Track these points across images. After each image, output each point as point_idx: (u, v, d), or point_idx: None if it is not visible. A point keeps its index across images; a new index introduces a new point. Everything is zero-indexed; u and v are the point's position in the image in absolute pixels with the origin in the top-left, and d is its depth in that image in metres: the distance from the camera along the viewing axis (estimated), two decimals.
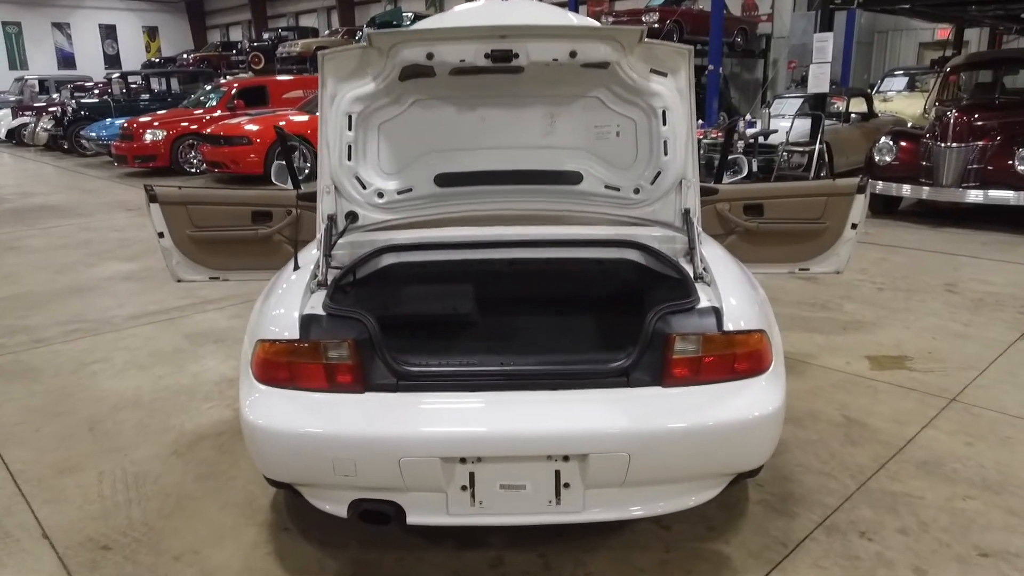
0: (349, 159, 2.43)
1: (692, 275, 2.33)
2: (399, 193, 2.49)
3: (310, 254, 2.50)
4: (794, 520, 2.58)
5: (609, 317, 2.84)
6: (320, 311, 2.16)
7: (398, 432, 1.98)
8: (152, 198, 3.28)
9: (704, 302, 2.18)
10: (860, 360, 4.04)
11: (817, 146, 8.46)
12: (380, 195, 2.48)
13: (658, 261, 2.47)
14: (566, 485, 2.07)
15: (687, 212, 2.47)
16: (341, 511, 2.15)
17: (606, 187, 2.50)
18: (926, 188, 7.79)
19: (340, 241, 2.54)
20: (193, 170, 12.93)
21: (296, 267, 2.41)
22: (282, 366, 2.11)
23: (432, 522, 2.13)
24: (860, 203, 3.84)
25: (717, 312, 2.14)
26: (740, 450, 2.10)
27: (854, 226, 3.89)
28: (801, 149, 8.70)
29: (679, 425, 2.02)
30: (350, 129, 2.40)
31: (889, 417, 3.35)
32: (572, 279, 2.74)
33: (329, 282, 2.34)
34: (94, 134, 14.95)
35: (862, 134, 10.02)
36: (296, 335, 2.10)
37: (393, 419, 2.02)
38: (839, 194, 3.87)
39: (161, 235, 3.38)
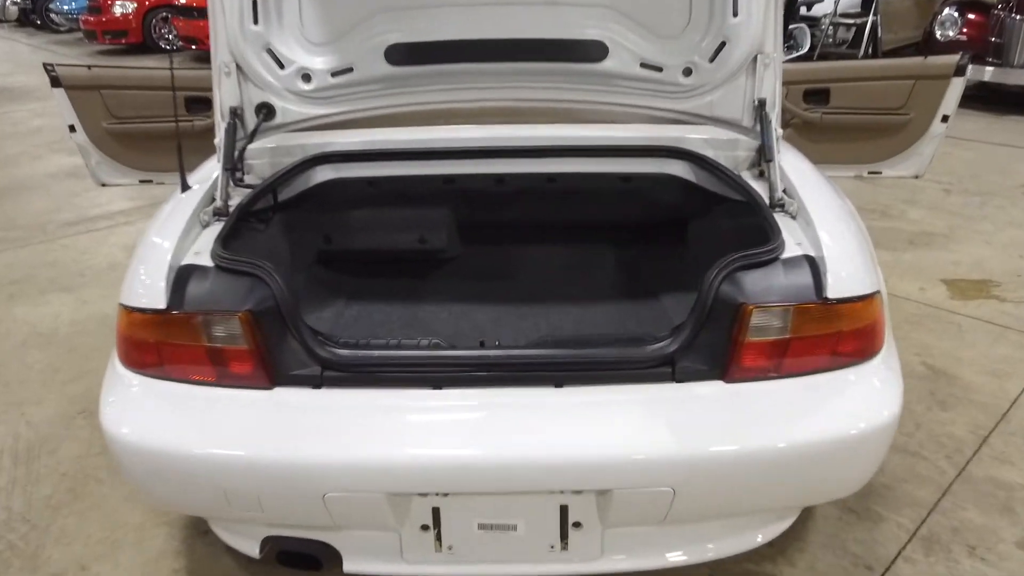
0: (256, 22, 1.61)
1: (768, 202, 1.56)
2: (334, 75, 1.67)
3: (208, 167, 1.73)
4: (878, 527, 1.93)
5: (643, 267, 2.08)
6: (207, 260, 1.43)
7: (320, 457, 1.29)
8: (54, 81, 2.48)
9: (791, 248, 1.42)
10: (936, 285, 3.30)
11: (871, 18, 7.32)
12: (306, 78, 1.67)
13: (717, 179, 1.69)
14: (576, 525, 1.40)
15: (762, 105, 1.66)
16: (252, 550, 1.50)
17: (642, 66, 1.67)
18: (990, 68, 6.76)
19: (251, 147, 1.76)
20: (168, 47, 11.80)
21: (184, 187, 1.65)
22: (149, 347, 1.40)
23: (380, 571, 1.48)
24: (956, 88, 2.97)
25: (813, 265, 1.38)
26: (836, 475, 1.41)
27: (945, 119, 3.05)
28: (850, 22, 7.55)
29: (751, 446, 1.31)
30: None
31: (983, 367, 2.65)
32: (588, 207, 1.96)
33: (231, 211, 1.59)
34: (65, 7, 13.84)
35: (915, 4, 8.79)
36: (163, 301, 1.37)
37: (314, 434, 1.32)
38: (931, 76, 2.99)
39: (72, 129, 2.59)
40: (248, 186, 1.71)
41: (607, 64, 1.66)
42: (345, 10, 1.64)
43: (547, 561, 1.43)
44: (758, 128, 1.67)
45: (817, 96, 3.17)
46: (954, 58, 2.94)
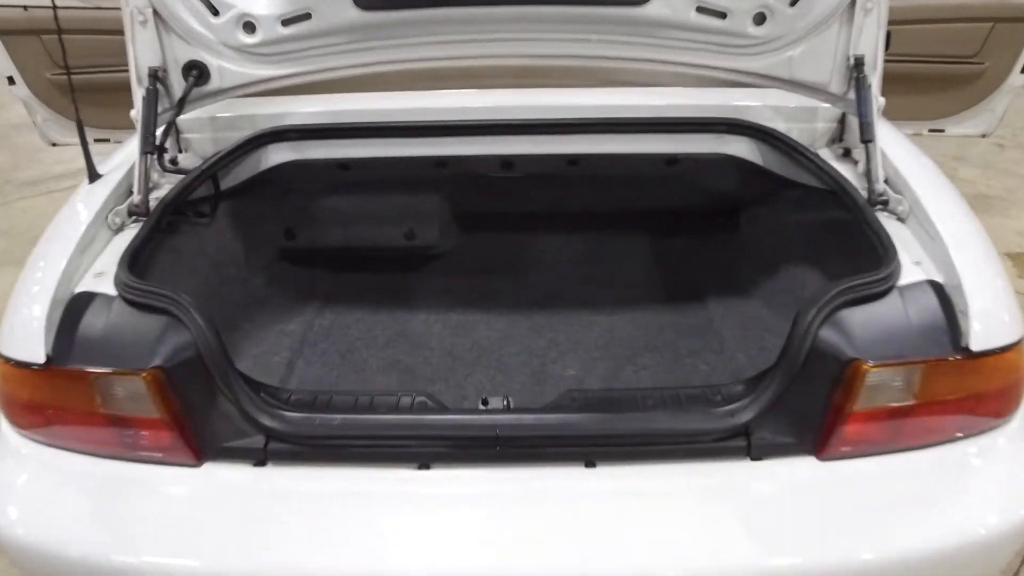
0: None
1: (867, 196, 1.16)
2: (285, 24, 1.24)
3: (132, 146, 1.31)
4: None
5: (688, 270, 1.65)
6: (109, 286, 1.04)
7: (263, 569, 0.93)
8: None
9: (909, 270, 1.03)
10: None
11: None
12: (248, 27, 1.25)
13: (793, 163, 1.29)
14: None
15: (859, 64, 1.24)
16: None
17: (699, 10, 1.23)
18: None
19: (186, 119, 1.35)
20: None
21: (92, 176, 1.25)
22: (36, 410, 1.02)
23: None
24: None
25: (944, 298, 0.99)
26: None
27: None
28: None
29: (859, 554, 0.94)
30: None
31: None
32: (621, 196, 1.55)
33: (152, 209, 1.19)
34: None
35: None
36: (42, 352, 0.99)
37: (253, 534, 0.96)
38: (1014, 19, 2.54)
39: (11, 81, 2.17)
40: (180, 171, 1.30)
41: (652, 7, 1.23)
42: None
43: None
44: (851, 95, 1.26)
45: None
46: None
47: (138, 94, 1.27)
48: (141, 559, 0.95)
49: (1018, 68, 2.61)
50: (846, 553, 0.94)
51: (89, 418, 1.01)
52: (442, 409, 1.03)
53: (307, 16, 1.25)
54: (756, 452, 1.01)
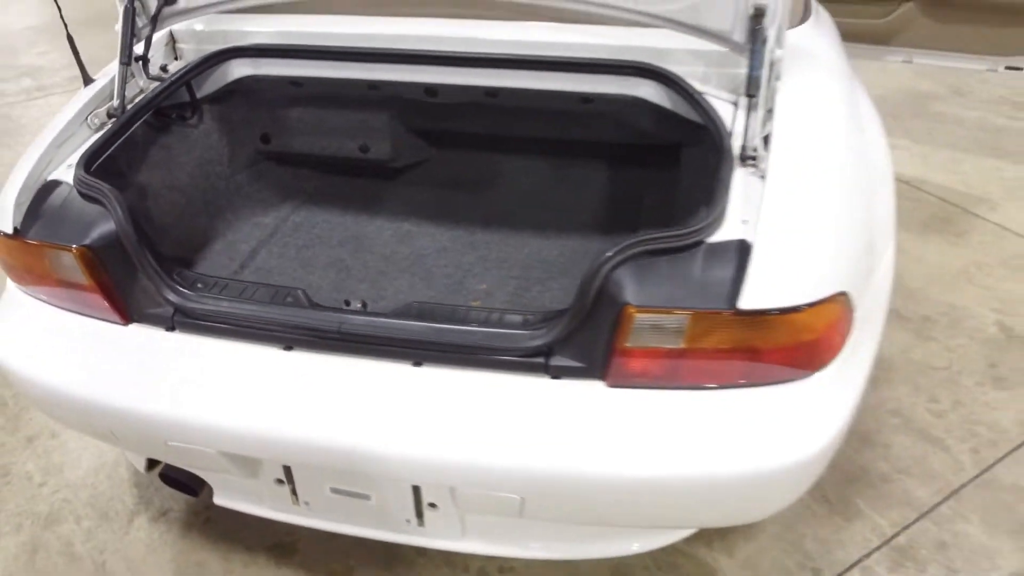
0: None
1: (738, 153, 1.21)
2: None
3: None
4: (849, 526, 1.68)
5: (628, 215, 1.74)
6: (70, 178, 1.32)
7: (158, 408, 1.22)
8: None
9: (732, 227, 1.10)
10: None
11: None
12: None
13: (692, 108, 1.33)
14: (432, 505, 1.27)
15: (758, 15, 1.24)
16: (140, 464, 1.51)
17: None
18: None
19: (176, 29, 1.58)
20: None
21: (86, 79, 1.52)
22: (15, 268, 1.34)
23: (248, 511, 1.44)
24: None
25: (744, 257, 1.07)
26: (729, 506, 1.17)
27: None
28: None
29: (613, 469, 1.10)
30: None
31: None
32: (542, 127, 1.64)
33: (125, 111, 1.45)
34: None
35: None
36: (10, 224, 1.29)
37: (157, 381, 1.24)
38: None
39: None
40: (161, 79, 1.54)
41: None
42: None
43: (404, 532, 1.33)
44: (750, 46, 1.27)
45: None
46: None
47: (120, 11, 1.50)
48: (78, 390, 1.26)
49: None
50: (608, 463, 1.09)
51: (47, 280, 1.30)
52: (303, 305, 1.24)
53: None
54: (554, 372, 1.15)
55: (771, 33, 1.24)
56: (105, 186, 1.25)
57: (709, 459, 1.09)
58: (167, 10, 1.49)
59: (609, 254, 1.08)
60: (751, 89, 1.24)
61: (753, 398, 1.11)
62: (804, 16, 1.63)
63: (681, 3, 1.28)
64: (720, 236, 1.10)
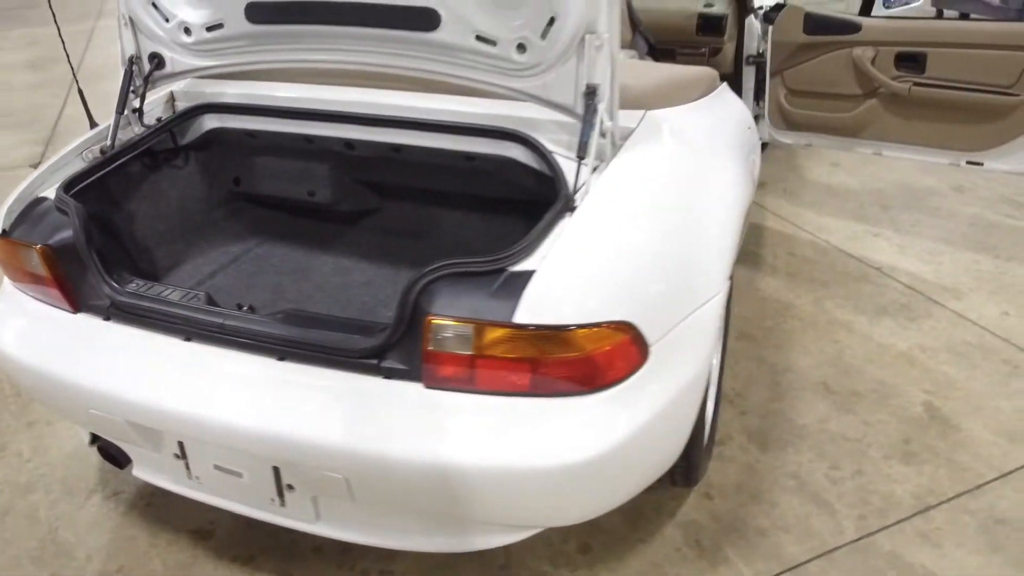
0: None
1: (568, 200, 1.43)
2: (208, 30, 1.77)
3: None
4: (712, 571, 1.75)
5: (470, 242, 2.00)
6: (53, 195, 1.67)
7: (83, 379, 1.50)
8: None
9: (534, 261, 1.31)
10: None
11: None
12: (187, 31, 1.79)
13: (547, 166, 1.56)
14: (289, 487, 1.48)
15: (591, 93, 1.47)
16: (86, 438, 1.80)
17: (477, 38, 1.55)
18: None
19: (174, 88, 1.96)
20: None
21: (92, 124, 1.90)
22: (6, 263, 1.69)
23: (158, 483, 1.69)
24: None
25: (527, 280, 1.27)
26: (524, 504, 1.33)
27: None
28: None
29: (416, 456, 1.29)
30: None
31: (1003, 425, 2.17)
32: (438, 180, 1.90)
33: (115, 148, 1.81)
34: None
35: None
36: (0, 226, 1.64)
37: (87, 359, 1.53)
38: None
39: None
40: (150, 126, 1.91)
41: (440, 34, 1.57)
42: None
43: (269, 511, 1.54)
44: (585, 117, 1.49)
45: (912, 62, 2.65)
46: None
47: (121, 72, 1.88)
48: (32, 362, 1.56)
49: None
50: (407, 450, 1.28)
51: (23, 272, 1.63)
52: (201, 305, 1.50)
53: (221, 25, 1.77)
54: (385, 373, 1.35)
55: (601, 107, 1.47)
56: (72, 202, 1.59)
57: (494, 456, 1.27)
58: (157, 73, 1.87)
59: (423, 272, 1.30)
60: (580, 151, 1.46)
61: (536, 408, 1.29)
62: (690, 98, 1.85)
63: (538, 81, 1.53)
64: (521, 267, 1.30)
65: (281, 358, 1.43)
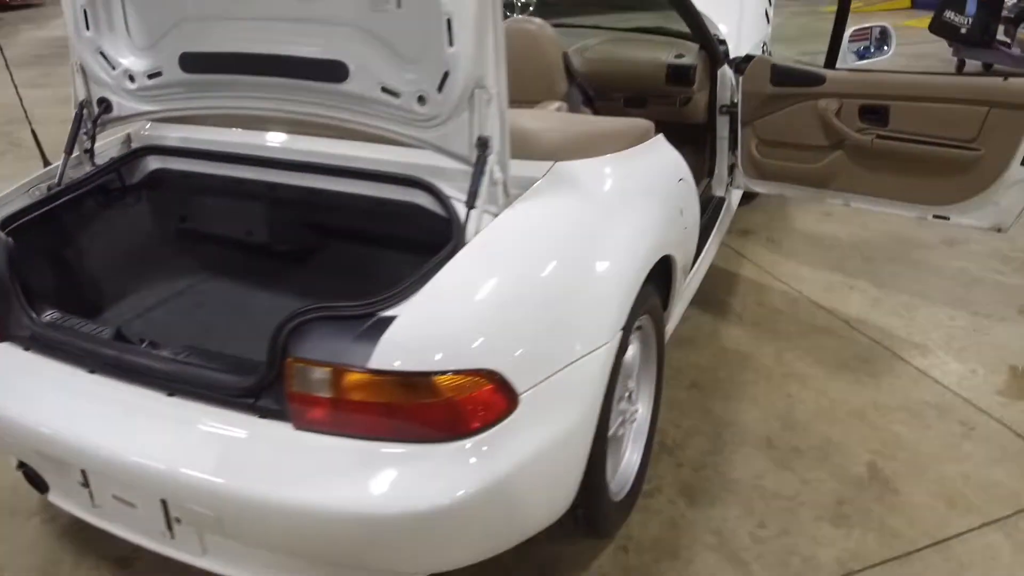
0: (88, 28, 1.87)
1: (453, 248, 1.46)
2: (149, 77, 1.88)
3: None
4: None
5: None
6: None
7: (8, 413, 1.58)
8: None
9: (403, 306, 1.34)
10: (996, 371, 2.59)
11: None
12: (131, 78, 1.90)
13: (448, 214, 1.60)
14: (177, 520, 1.52)
15: (483, 145, 1.51)
16: (13, 462, 1.87)
17: (383, 90, 1.61)
18: None
19: (121, 136, 2.07)
20: None
21: (45, 163, 2.01)
22: None
23: (69, 510, 1.74)
24: None
25: (387, 328, 1.30)
26: (376, 550, 1.34)
27: None
28: None
29: (277, 497, 1.31)
30: None
31: (946, 489, 2.09)
32: (358, 224, 1.95)
33: (61, 185, 1.91)
34: None
35: None
36: None
37: (5, 387, 1.61)
38: (1009, 105, 2.32)
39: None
40: (100, 167, 2.02)
41: (349, 85, 1.63)
42: (158, 19, 1.82)
43: (160, 543, 1.57)
44: (475, 167, 1.53)
45: (875, 115, 2.64)
46: None
47: (72, 115, 2.00)
48: None
49: (1018, 160, 2.37)
50: (278, 494, 1.29)
51: None
52: (103, 339, 1.57)
53: (160, 73, 1.87)
54: (261, 412, 1.38)
55: (491, 158, 1.51)
56: (1, 236, 1.68)
57: (345, 500, 1.29)
58: (105, 117, 1.97)
59: (293, 314, 1.35)
60: (469, 200, 1.50)
61: (395, 453, 1.31)
62: (610, 150, 1.87)
63: (438, 132, 1.58)
64: (391, 311, 1.33)
65: (170, 394, 1.48)
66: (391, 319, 1.31)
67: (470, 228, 1.49)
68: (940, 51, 7.07)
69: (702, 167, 3.16)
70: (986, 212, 2.52)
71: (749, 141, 2.95)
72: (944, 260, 3.37)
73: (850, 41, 2.95)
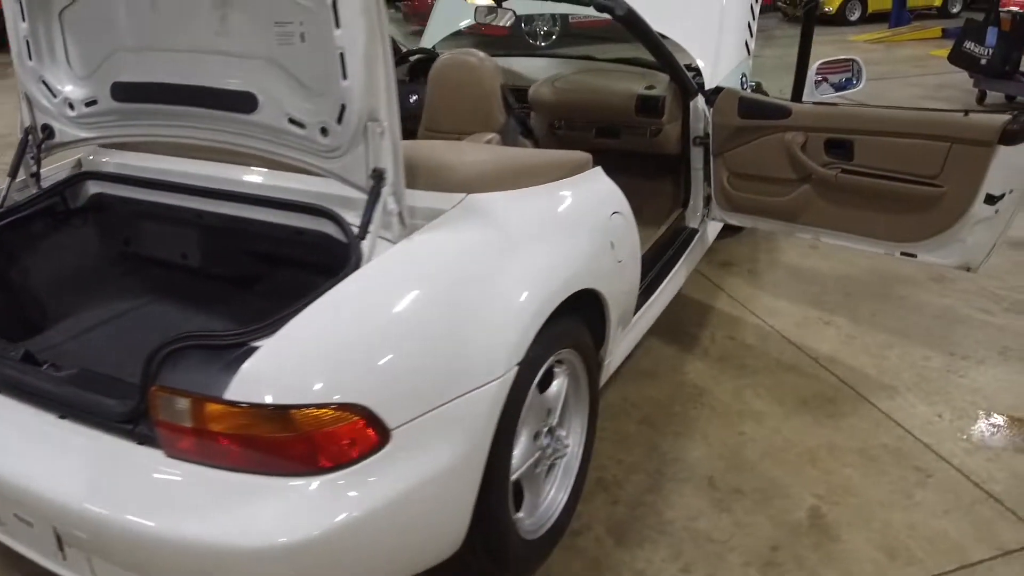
0: (30, 58, 1.94)
1: (339, 279, 1.46)
2: (87, 105, 1.93)
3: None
4: None
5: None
6: None
7: None
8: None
9: (270, 338, 1.34)
10: (964, 416, 2.48)
11: None
12: (71, 106, 1.96)
13: (349, 243, 1.60)
14: (68, 543, 1.53)
15: (378, 177, 1.51)
16: None
17: (290, 121, 1.63)
18: None
19: (72, 160, 2.13)
20: None
21: None
22: None
23: None
24: (1006, 160, 2.20)
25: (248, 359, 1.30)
26: None
27: (991, 199, 2.27)
28: None
29: (142, 524, 1.31)
30: (24, 19, 1.89)
31: (888, 539, 2.00)
32: (272, 250, 1.96)
33: (3, 207, 1.97)
34: None
35: None
36: None
37: None
38: (968, 141, 2.25)
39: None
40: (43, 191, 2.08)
41: (258, 116, 1.65)
42: (94, 50, 1.88)
43: (55, 564, 1.58)
44: (369, 198, 1.53)
45: (841, 149, 2.59)
46: (999, 119, 2.19)
47: (19, 139, 2.07)
48: None
49: (981, 197, 2.29)
50: (142, 521, 1.28)
51: None
52: (7, 361, 1.59)
53: (96, 101, 1.93)
54: (139, 438, 1.38)
55: (384, 190, 1.51)
56: None
57: (205, 532, 1.28)
58: (48, 143, 2.04)
59: (165, 342, 1.35)
60: (360, 231, 1.50)
61: (258, 485, 1.30)
62: (532, 183, 1.85)
63: (340, 162, 1.59)
64: (262, 342, 1.33)
65: (61, 416, 1.50)
66: (256, 350, 1.31)
67: (363, 258, 1.49)
68: (962, 81, 6.92)
69: (679, 198, 3.13)
70: (952, 250, 2.43)
71: (721, 173, 2.91)
72: (930, 297, 3.25)
73: (820, 74, 2.90)
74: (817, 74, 2.88)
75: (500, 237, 1.67)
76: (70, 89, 1.95)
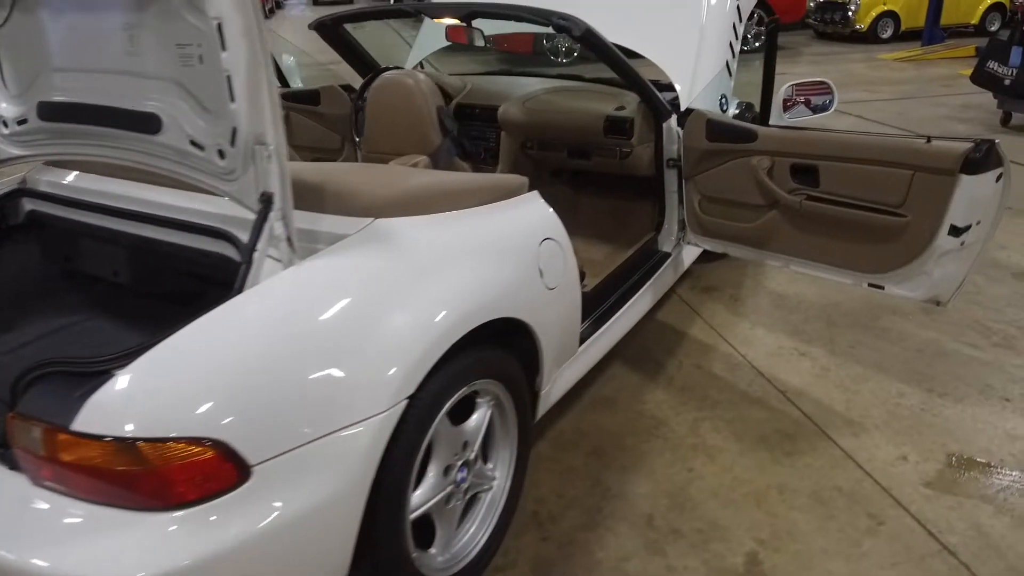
0: None
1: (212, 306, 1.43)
2: (19, 123, 1.95)
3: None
4: None
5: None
6: None
7: None
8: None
9: (130, 367, 1.31)
10: (930, 459, 2.35)
11: None
12: (4, 124, 1.98)
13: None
14: None
15: (267, 201, 1.48)
16: None
17: (191, 143, 1.61)
18: None
19: (16, 178, 2.16)
20: None
21: None
22: None
23: None
24: (970, 190, 2.08)
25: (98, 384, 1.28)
26: None
27: (956, 231, 2.15)
28: None
29: (4, 552, 1.28)
30: None
31: None
32: (188, 270, 1.94)
33: None
34: None
35: None
36: None
37: None
38: (930, 169, 2.14)
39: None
40: None
41: (163, 137, 1.63)
42: (26, 69, 1.89)
43: None
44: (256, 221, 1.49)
45: (807, 174, 2.49)
46: (961, 147, 2.08)
47: None
48: None
49: (945, 228, 2.17)
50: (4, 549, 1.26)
51: None
52: None
53: (26, 120, 1.94)
54: (11, 463, 1.37)
55: (272, 214, 1.47)
56: None
57: (50, 565, 1.24)
58: None
59: (28, 367, 1.33)
60: (244, 256, 1.46)
61: (108, 519, 1.26)
62: (452, 207, 1.80)
63: (236, 185, 1.56)
64: (122, 371, 1.30)
65: None
66: (110, 378, 1.28)
67: (247, 284, 1.45)
68: (988, 102, 6.68)
69: (653, 221, 3.04)
70: (919, 283, 2.31)
71: (692, 196, 2.83)
72: (916, 329, 3.10)
73: (791, 97, 2.80)
74: (787, 97, 2.78)
75: (402, 265, 1.62)
76: (4, 107, 1.97)
